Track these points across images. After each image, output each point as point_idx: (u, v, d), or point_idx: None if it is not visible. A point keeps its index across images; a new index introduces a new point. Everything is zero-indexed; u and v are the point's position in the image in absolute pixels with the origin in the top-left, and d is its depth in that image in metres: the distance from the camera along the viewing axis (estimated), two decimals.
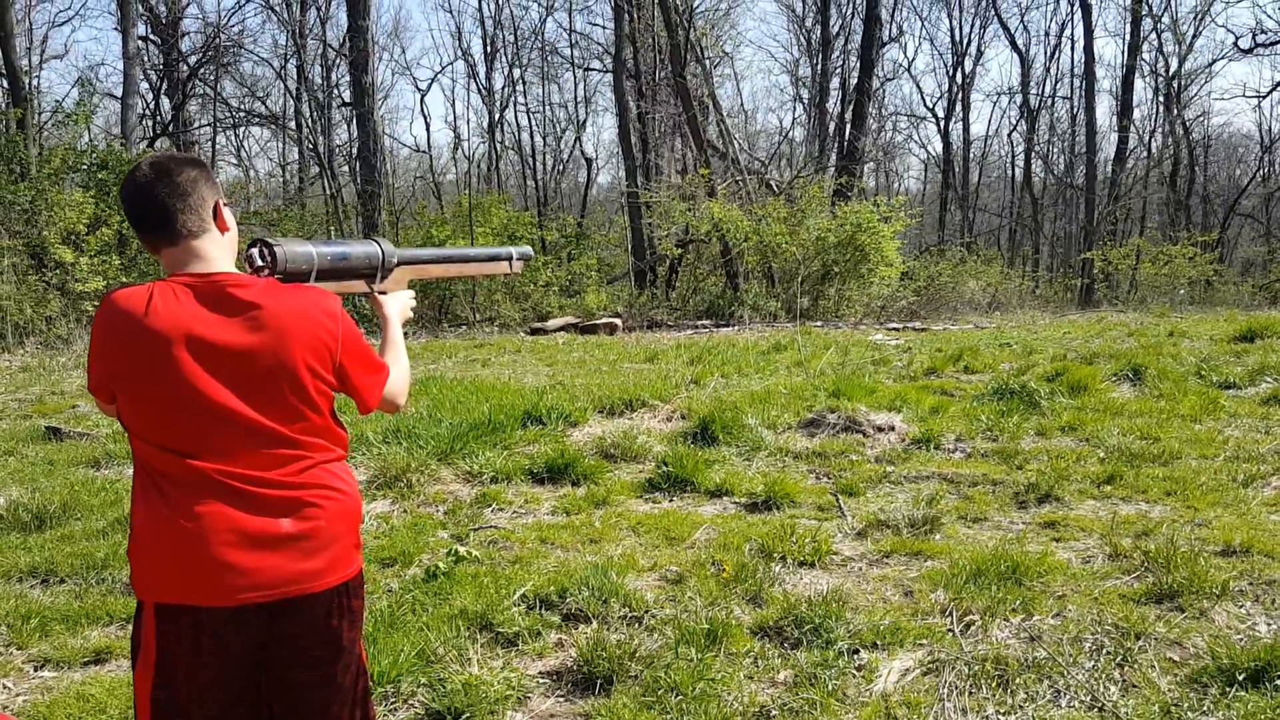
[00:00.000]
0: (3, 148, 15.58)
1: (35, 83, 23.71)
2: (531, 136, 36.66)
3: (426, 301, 19.80)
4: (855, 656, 3.50)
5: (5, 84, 18.56)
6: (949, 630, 3.69)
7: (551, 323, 17.46)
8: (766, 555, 4.50)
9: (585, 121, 38.78)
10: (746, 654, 3.55)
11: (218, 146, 32.61)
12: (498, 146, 34.55)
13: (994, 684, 3.28)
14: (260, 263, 2.18)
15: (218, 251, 2.07)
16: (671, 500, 5.63)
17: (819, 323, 17.21)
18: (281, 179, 35.73)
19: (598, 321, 17.22)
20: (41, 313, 14.19)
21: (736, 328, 16.75)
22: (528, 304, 20.07)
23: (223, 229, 2.09)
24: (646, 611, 3.89)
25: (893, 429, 6.93)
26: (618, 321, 17.34)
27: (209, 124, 30.41)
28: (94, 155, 17.12)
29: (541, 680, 3.44)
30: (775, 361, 10.73)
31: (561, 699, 3.33)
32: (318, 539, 2.02)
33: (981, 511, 5.23)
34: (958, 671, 3.35)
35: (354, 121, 27.62)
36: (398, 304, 2.53)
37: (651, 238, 23.41)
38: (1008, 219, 39.73)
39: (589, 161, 37.16)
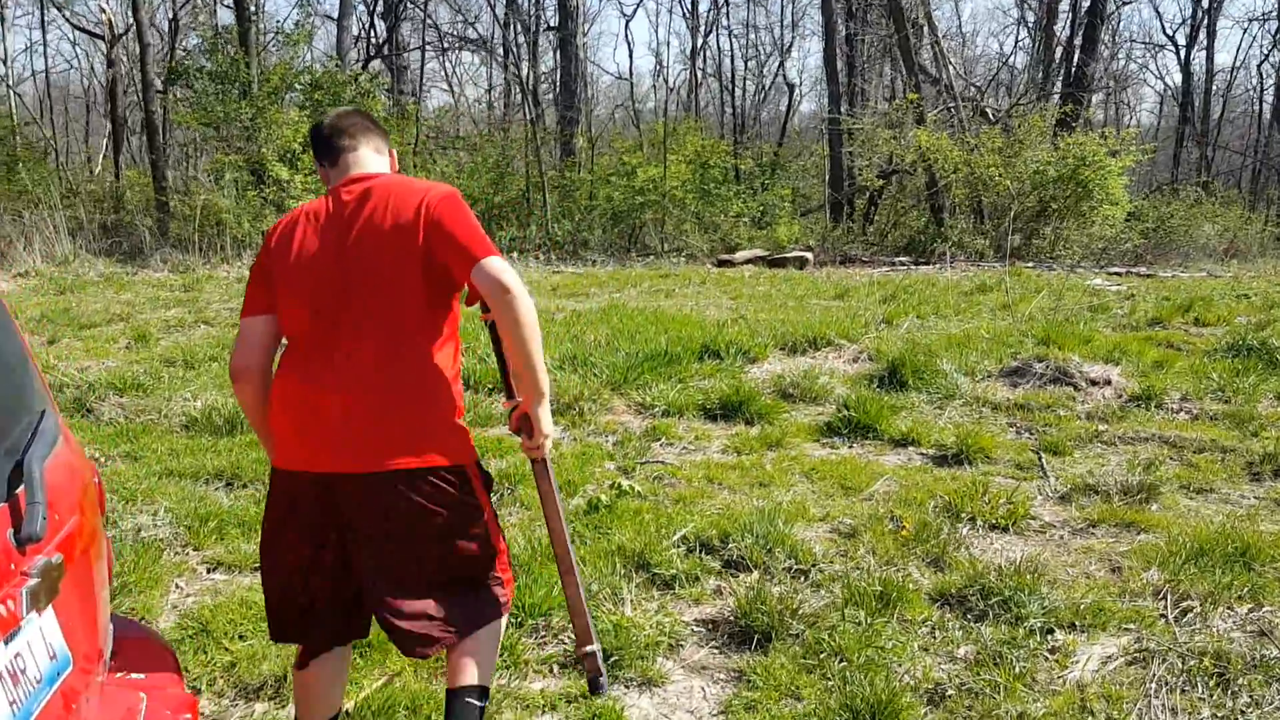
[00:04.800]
0: (228, 67, 16.44)
1: (260, 3, 24.97)
2: (733, 62, 35.93)
3: (616, 230, 19.81)
4: (1049, 637, 3.13)
5: (230, 3, 19.59)
6: (1161, 615, 3.26)
7: (739, 255, 17.08)
8: (953, 514, 4.14)
9: (790, 46, 37.68)
10: (923, 622, 3.23)
11: (427, 71, 33.63)
12: (699, 73, 34.01)
13: (1211, 682, 2.85)
14: None
15: None
16: (850, 447, 5.31)
17: (1031, 264, 16.07)
18: (488, 104, 36.54)
19: (787, 255, 16.72)
20: (258, 227, 14.99)
21: (938, 265, 15.88)
22: (716, 235, 19.73)
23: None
24: (814, 565, 3.63)
25: (1108, 383, 6.34)
26: (809, 255, 16.79)
27: (419, 48, 31.30)
28: (309, 76, 17.83)
29: (696, 629, 3.25)
30: (978, 303, 10.12)
31: (715, 651, 3.12)
32: None
33: (1207, 481, 4.70)
34: (1169, 664, 2.93)
35: (559, 48, 27.78)
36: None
37: (851, 168, 22.52)
38: (1252, 158, 35.88)
39: (791, 88, 35.98)
